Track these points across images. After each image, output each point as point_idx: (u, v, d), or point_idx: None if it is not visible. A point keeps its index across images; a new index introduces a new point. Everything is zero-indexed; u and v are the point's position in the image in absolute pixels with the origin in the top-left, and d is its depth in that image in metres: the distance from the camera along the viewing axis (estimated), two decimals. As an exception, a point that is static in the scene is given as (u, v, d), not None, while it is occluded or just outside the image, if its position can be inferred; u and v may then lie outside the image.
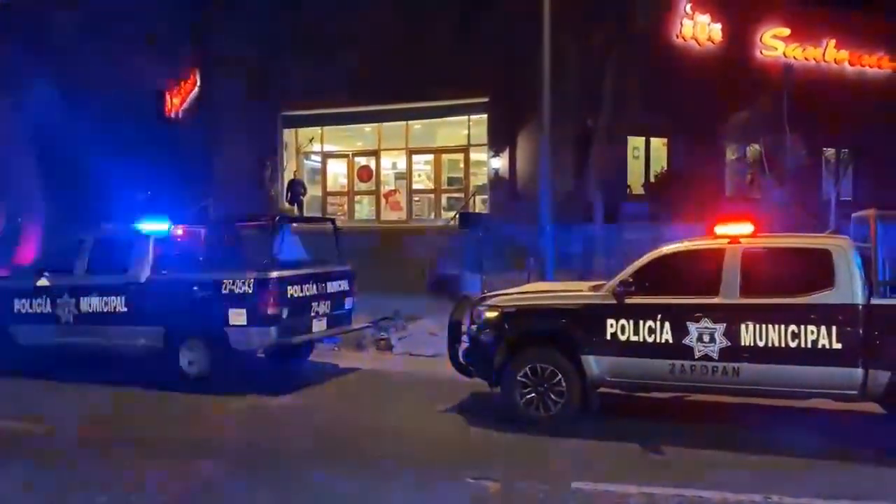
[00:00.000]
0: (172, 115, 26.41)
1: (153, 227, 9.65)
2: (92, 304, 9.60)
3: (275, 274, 8.82)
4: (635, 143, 20.46)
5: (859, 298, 6.37)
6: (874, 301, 6.38)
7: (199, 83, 25.07)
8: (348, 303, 10.08)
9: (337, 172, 24.01)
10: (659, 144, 20.63)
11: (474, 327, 7.72)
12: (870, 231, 6.67)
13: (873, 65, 23.30)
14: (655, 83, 18.50)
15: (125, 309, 9.42)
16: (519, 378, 7.31)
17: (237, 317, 8.79)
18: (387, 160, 23.24)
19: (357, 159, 23.42)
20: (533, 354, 7.36)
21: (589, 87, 18.32)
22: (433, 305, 12.56)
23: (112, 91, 20.92)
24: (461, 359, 8.03)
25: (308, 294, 9.26)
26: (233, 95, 22.03)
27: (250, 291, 8.74)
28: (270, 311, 8.71)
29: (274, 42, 21.04)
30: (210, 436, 7.40)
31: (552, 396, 7.22)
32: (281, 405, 8.47)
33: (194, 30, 22.88)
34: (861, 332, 6.32)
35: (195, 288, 9.04)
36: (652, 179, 20.25)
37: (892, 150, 22.90)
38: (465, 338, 8.07)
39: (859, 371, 6.33)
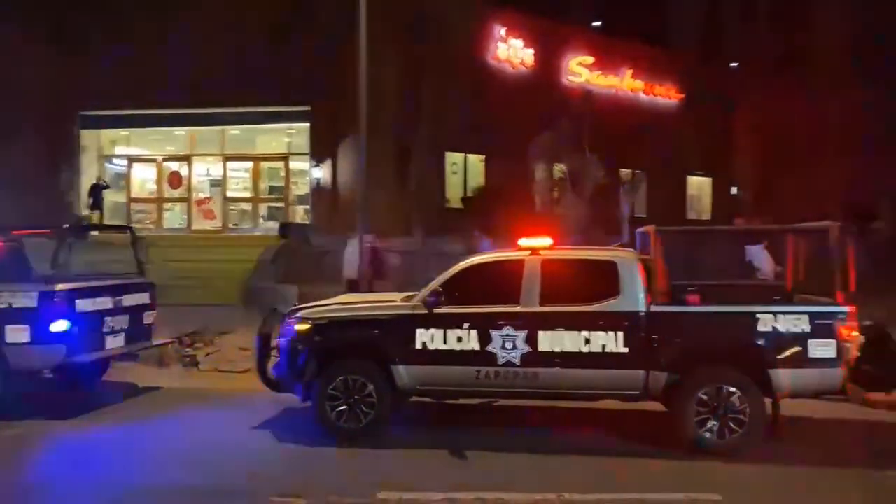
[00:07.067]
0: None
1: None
2: None
3: (61, 287, 8.06)
4: (454, 158, 21.12)
5: (641, 306, 6.96)
6: (654, 308, 7.00)
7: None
8: (148, 317, 9.44)
9: (145, 178, 22.52)
10: (476, 161, 21.45)
11: (284, 340, 7.52)
12: (651, 244, 7.33)
13: (664, 95, 25.93)
14: (472, 102, 19.28)
15: None
16: (330, 391, 7.22)
17: (17, 334, 7.95)
18: (200, 166, 22.15)
19: (167, 164, 22.10)
20: (344, 366, 7.31)
21: (408, 102, 18.66)
22: (245, 319, 12.07)
23: None
24: (270, 373, 7.78)
25: (101, 308, 8.56)
26: (20, 89, 19.91)
27: (34, 306, 7.95)
28: (57, 327, 7.94)
29: (73, 34, 19.35)
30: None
31: (363, 408, 7.19)
32: (67, 430, 7.73)
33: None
34: (643, 336, 6.90)
35: (-34, 303, 8.04)
36: (469, 194, 20.98)
37: (678, 172, 25.60)
38: (275, 352, 7.84)
39: (642, 373, 6.91)
